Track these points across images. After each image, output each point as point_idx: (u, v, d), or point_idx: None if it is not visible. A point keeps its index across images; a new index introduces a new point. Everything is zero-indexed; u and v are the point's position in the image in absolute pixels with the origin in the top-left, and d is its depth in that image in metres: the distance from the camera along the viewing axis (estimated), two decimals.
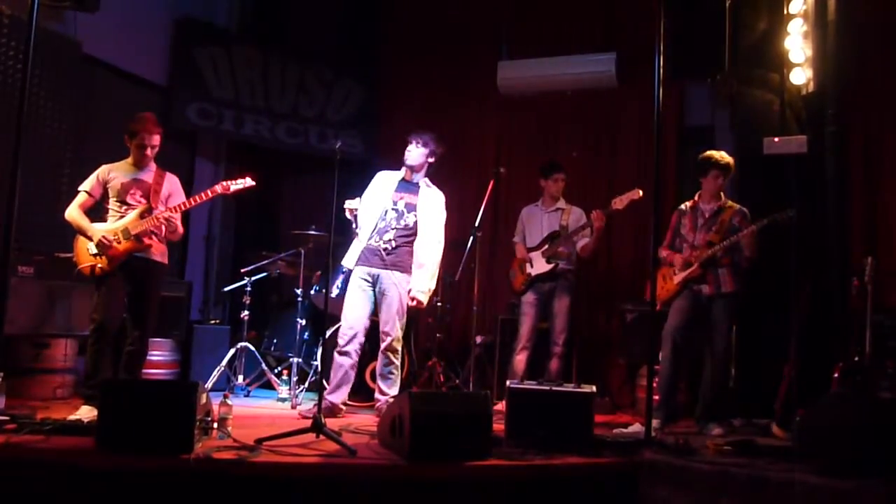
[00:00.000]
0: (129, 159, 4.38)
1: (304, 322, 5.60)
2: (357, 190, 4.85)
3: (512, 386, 3.83)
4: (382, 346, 4.65)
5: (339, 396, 4.61)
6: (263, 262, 5.85)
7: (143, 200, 4.30)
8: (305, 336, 5.69)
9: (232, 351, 5.50)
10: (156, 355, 5.40)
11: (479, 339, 5.65)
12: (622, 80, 6.30)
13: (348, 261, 4.76)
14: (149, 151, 4.33)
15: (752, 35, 5.49)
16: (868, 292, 4.09)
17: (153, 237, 4.30)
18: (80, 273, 4.25)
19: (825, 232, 5.06)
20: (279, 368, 5.74)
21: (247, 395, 5.55)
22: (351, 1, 7.52)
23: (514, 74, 6.62)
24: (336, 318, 4.91)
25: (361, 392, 5.13)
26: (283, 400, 5.28)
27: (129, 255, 4.22)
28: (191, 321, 6.19)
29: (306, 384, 5.38)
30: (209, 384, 5.10)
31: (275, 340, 6.08)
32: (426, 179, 4.86)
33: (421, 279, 4.65)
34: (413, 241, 4.72)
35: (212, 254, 7.14)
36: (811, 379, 4.28)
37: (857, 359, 4.03)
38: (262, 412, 4.79)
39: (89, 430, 3.21)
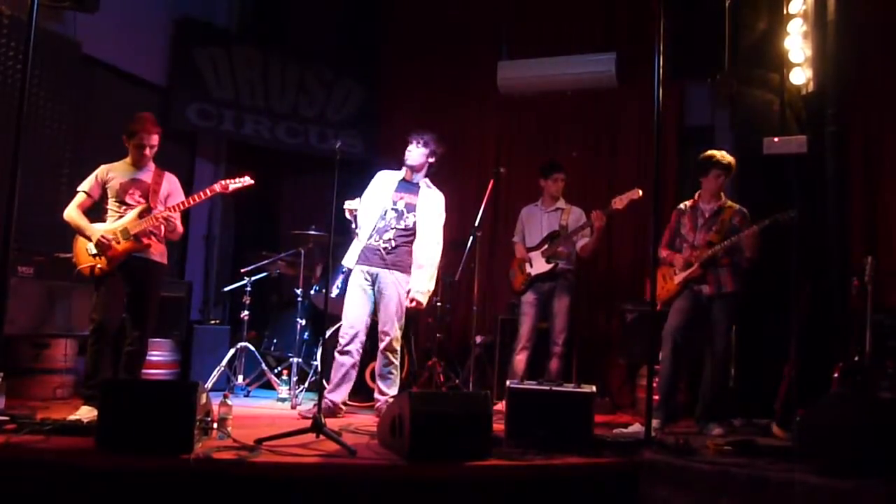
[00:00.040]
0: (128, 159, 4.38)
1: (304, 322, 5.60)
2: (357, 190, 4.85)
3: (512, 386, 3.83)
4: (381, 346, 4.65)
5: (339, 395, 4.61)
6: (263, 262, 5.85)
7: (142, 200, 4.30)
8: (305, 336, 5.69)
9: (232, 351, 5.50)
10: (156, 355, 5.40)
11: (478, 339, 5.65)
12: (622, 80, 6.30)
13: (348, 260, 4.76)
14: (147, 151, 4.33)
15: (751, 35, 5.49)
16: (868, 292, 4.09)
17: (152, 237, 4.30)
18: (79, 273, 4.25)
19: (825, 232, 5.06)
20: (279, 368, 5.74)
21: (247, 396, 5.54)
22: (351, 1, 7.52)
23: (514, 74, 6.62)
24: (336, 318, 4.91)
25: (361, 392, 5.13)
26: (283, 400, 5.28)
27: (129, 256, 4.21)
28: (191, 321, 6.18)
29: (306, 384, 5.38)
30: (209, 384, 5.10)
31: (275, 340, 6.08)
32: (426, 180, 4.86)
33: (420, 280, 4.65)
34: (413, 241, 4.72)
35: (212, 254, 7.14)
36: (811, 379, 4.28)
37: (857, 359, 4.03)
38: (261, 412, 4.79)
39: (89, 430, 3.21)
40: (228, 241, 7.29)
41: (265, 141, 7.03)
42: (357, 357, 4.63)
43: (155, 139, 4.34)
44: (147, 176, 4.37)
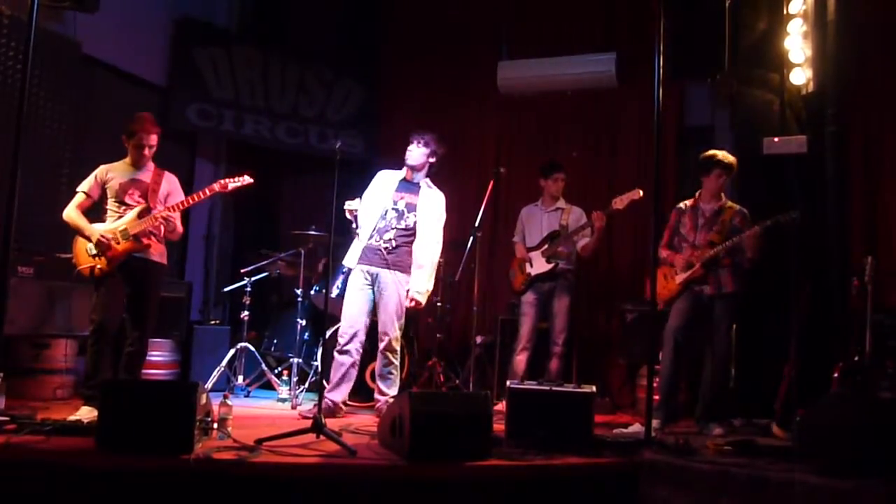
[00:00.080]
0: (127, 159, 4.38)
1: (304, 322, 5.60)
2: (357, 190, 4.85)
3: (512, 386, 3.83)
4: (381, 346, 4.65)
5: (339, 395, 4.61)
6: (263, 263, 5.85)
7: (142, 200, 4.30)
8: (305, 336, 5.69)
9: (232, 351, 5.49)
10: (156, 356, 5.40)
11: (479, 340, 5.65)
12: (622, 80, 6.29)
13: (349, 260, 4.76)
14: (147, 151, 4.33)
15: (751, 35, 5.49)
16: (868, 292, 4.09)
17: (152, 237, 4.30)
18: (79, 274, 4.25)
19: (825, 232, 5.06)
20: (279, 369, 5.74)
21: (247, 396, 5.54)
22: (351, 1, 7.52)
23: (514, 74, 6.62)
24: (336, 319, 4.91)
25: (361, 392, 5.13)
26: (284, 400, 5.28)
27: (128, 256, 4.21)
28: (191, 321, 6.18)
29: (306, 384, 5.38)
30: (209, 384, 5.10)
31: (275, 341, 6.07)
32: (427, 180, 4.86)
33: (419, 280, 4.65)
34: (413, 241, 4.72)
35: (212, 254, 7.14)
36: (811, 379, 4.28)
37: (857, 358, 4.03)
38: (262, 412, 4.79)
39: (89, 430, 3.21)
40: (228, 242, 7.29)
41: (265, 141, 7.03)
42: (356, 357, 4.63)
43: (154, 139, 4.34)
44: (146, 176, 4.37)
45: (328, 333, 5.00)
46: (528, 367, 5.22)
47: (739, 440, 3.65)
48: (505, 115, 6.91)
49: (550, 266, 5.23)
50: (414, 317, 5.58)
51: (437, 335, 5.84)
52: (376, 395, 4.70)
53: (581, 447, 3.45)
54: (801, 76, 5.29)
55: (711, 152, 4.71)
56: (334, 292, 5.10)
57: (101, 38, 5.78)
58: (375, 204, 4.76)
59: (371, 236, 4.70)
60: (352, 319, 4.61)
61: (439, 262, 5.05)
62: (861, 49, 5.25)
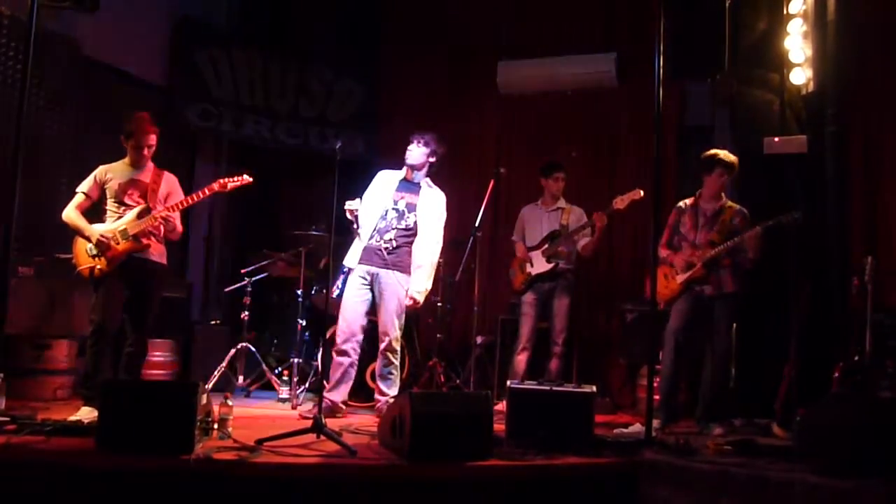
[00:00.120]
0: (126, 160, 4.37)
1: (304, 322, 5.60)
2: (358, 190, 4.85)
3: (512, 386, 3.83)
4: (381, 346, 4.65)
5: (339, 395, 4.61)
6: (264, 263, 5.85)
7: (141, 201, 4.30)
8: (306, 336, 5.69)
9: (232, 351, 5.49)
10: (156, 356, 5.38)
11: (479, 340, 5.65)
12: (622, 80, 6.30)
13: (349, 260, 4.76)
14: (145, 151, 4.32)
15: (751, 35, 5.49)
16: (868, 292, 4.10)
17: (152, 237, 4.30)
18: (79, 274, 4.25)
19: (825, 232, 5.06)
20: (280, 369, 5.74)
21: (247, 396, 5.54)
22: (351, 1, 7.52)
23: (514, 74, 6.62)
24: (337, 319, 4.90)
25: (361, 392, 5.13)
26: (284, 400, 5.28)
27: (128, 256, 4.21)
28: (191, 321, 6.19)
29: (307, 385, 5.38)
30: (209, 385, 5.10)
31: (275, 341, 6.07)
32: (427, 179, 4.86)
33: (418, 279, 4.65)
34: (414, 241, 4.72)
35: (212, 254, 7.14)
36: (811, 379, 4.28)
37: (857, 358, 4.03)
38: (262, 413, 4.79)
39: (89, 430, 3.21)
40: (229, 242, 7.29)
41: (265, 141, 7.03)
42: (355, 356, 4.63)
43: (152, 139, 4.33)
44: (145, 176, 4.37)
45: (328, 333, 5.00)
46: (528, 367, 5.22)
47: (740, 440, 3.65)
48: (505, 115, 6.91)
49: (551, 266, 5.23)
50: (414, 317, 5.58)
51: (438, 335, 5.84)
52: (376, 396, 4.70)
53: (581, 447, 3.45)
54: (801, 76, 5.29)
55: (713, 151, 4.71)
56: (335, 292, 5.09)
57: (102, 39, 5.78)
58: (376, 204, 4.76)
59: (371, 236, 4.70)
60: (349, 319, 4.61)
61: (439, 261, 5.05)
62: (861, 49, 5.25)
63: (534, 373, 5.16)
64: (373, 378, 4.99)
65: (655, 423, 3.95)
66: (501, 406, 4.15)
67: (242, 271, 5.77)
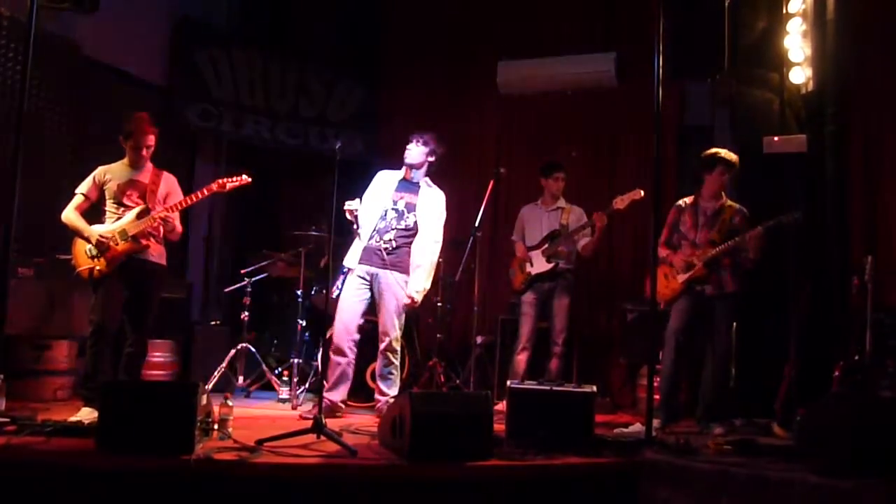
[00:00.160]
0: (125, 160, 4.37)
1: (304, 323, 5.60)
2: (357, 190, 4.85)
3: (512, 386, 3.83)
4: (381, 346, 4.65)
5: (338, 395, 4.61)
6: (263, 263, 5.85)
7: (140, 201, 4.29)
8: (306, 337, 5.69)
9: (232, 352, 5.49)
10: (156, 356, 5.39)
11: (479, 340, 5.65)
12: (622, 80, 6.29)
13: (349, 260, 4.76)
14: (144, 152, 4.32)
15: (751, 34, 5.49)
16: (868, 291, 4.09)
17: (151, 238, 4.30)
18: (78, 275, 4.25)
19: (825, 231, 5.06)
20: (280, 369, 5.74)
21: (247, 396, 5.54)
22: (351, 1, 7.52)
23: (514, 74, 6.62)
24: None
25: (361, 393, 5.13)
26: (284, 401, 5.28)
27: (128, 257, 4.21)
28: (191, 322, 6.19)
29: (307, 385, 5.38)
30: (209, 385, 5.10)
31: (275, 341, 6.06)
32: (427, 179, 4.86)
33: (417, 279, 4.65)
34: (414, 241, 4.72)
35: (212, 255, 7.14)
36: (812, 378, 4.28)
37: (857, 358, 4.03)
38: (262, 413, 4.79)
39: (90, 431, 3.21)
40: (229, 242, 7.29)
41: (265, 141, 7.03)
42: (351, 355, 4.63)
43: (151, 139, 4.33)
44: (144, 176, 4.36)
45: (328, 334, 5.00)
46: (528, 367, 5.22)
47: (740, 440, 3.64)
48: (505, 115, 6.91)
49: (551, 265, 5.23)
50: (414, 317, 5.58)
51: (438, 335, 5.84)
52: (377, 396, 4.70)
53: (581, 447, 3.45)
54: (800, 75, 5.29)
55: (714, 150, 4.71)
56: (335, 293, 5.09)
57: (101, 40, 5.78)
58: (375, 204, 4.76)
59: (371, 237, 4.70)
60: (346, 319, 4.61)
61: (439, 261, 5.04)
62: (860, 48, 5.24)
63: (534, 373, 5.16)
64: (373, 378, 4.99)
65: (656, 422, 3.95)
66: (501, 406, 4.15)
67: (242, 271, 5.77)
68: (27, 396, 4.67)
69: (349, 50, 7.44)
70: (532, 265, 5.31)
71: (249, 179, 4.49)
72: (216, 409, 3.53)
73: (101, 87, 5.98)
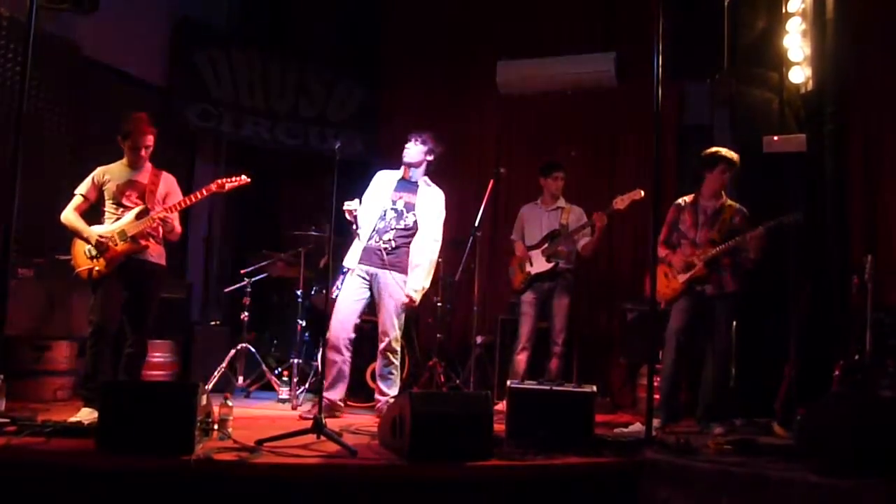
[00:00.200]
0: (124, 160, 4.37)
1: (304, 323, 5.60)
2: (357, 190, 4.85)
3: (512, 386, 3.83)
4: (381, 346, 4.65)
5: (336, 394, 4.61)
6: (263, 263, 5.85)
7: (139, 202, 4.29)
8: (306, 337, 5.69)
9: (232, 352, 5.49)
10: (156, 357, 5.39)
11: (479, 340, 5.64)
12: (621, 80, 6.29)
13: (349, 261, 4.76)
14: (143, 152, 4.31)
15: (750, 34, 5.49)
16: (868, 290, 4.09)
17: (150, 239, 4.29)
18: (77, 276, 4.25)
19: (825, 231, 5.06)
20: (279, 369, 5.74)
21: (247, 397, 5.54)
22: (351, 1, 7.52)
23: (514, 74, 6.62)
24: None
25: (361, 393, 5.13)
26: (284, 401, 5.28)
27: (127, 257, 4.21)
28: (191, 322, 6.18)
29: (307, 385, 5.38)
30: (209, 385, 5.10)
31: (275, 341, 6.05)
32: (426, 178, 4.85)
33: (416, 278, 4.64)
34: (413, 240, 4.72)
35: (212, 255, 7.14)
36: (812, 378, 4.28)
37: (857, 357, 4.03)
38: (262, 413, 4.79)
39: (90, 432, 3.21)
40: (228, 242, 7.29)
41: (265, 142, 7.03)
42: (347, 354, 4.62)
43: (150, 139, 4.32)
44: (143, 177, 4.36)
45: (328, 333, 4.99)
46: (528, 367, 5.22)
47: (740, 439, 3.65)
48: (505, 115, 6.92)
49: (551, 265, 5.23)
50: (414, 317, 5.57)
51: (438, 335, 5.84)
52: (377, 396, 4.69)
53: (582, 447, 3.45)
54: (800, 75, 5.29)
55: (715, 149, 4.70)
56: (335, 293, 5.09)
57: (101, 40, 5.78)
58: (374, 204, 4.76)
59: (370, 237, 4.70)
60: (342, 318, 4.60)
61: (439, 261, 5.05)
62: (860, 47, 5.24)
63: (534, 372, 5.16)
64: (373, 378, 4.99)
65: (656, 422, 3.95)
66: (501, 406, 4.15)
67: (242, 272, 5.77)
68: (27, 397, 4.67)
69: (349, 50, 7.44)
70: (532, 265, 5.31)
71: (248, 180, 4.49)
72: (216, 409, 3.53)
73: (100, 88, 5.98)
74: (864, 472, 2.89)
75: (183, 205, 4.33)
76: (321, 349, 5.25)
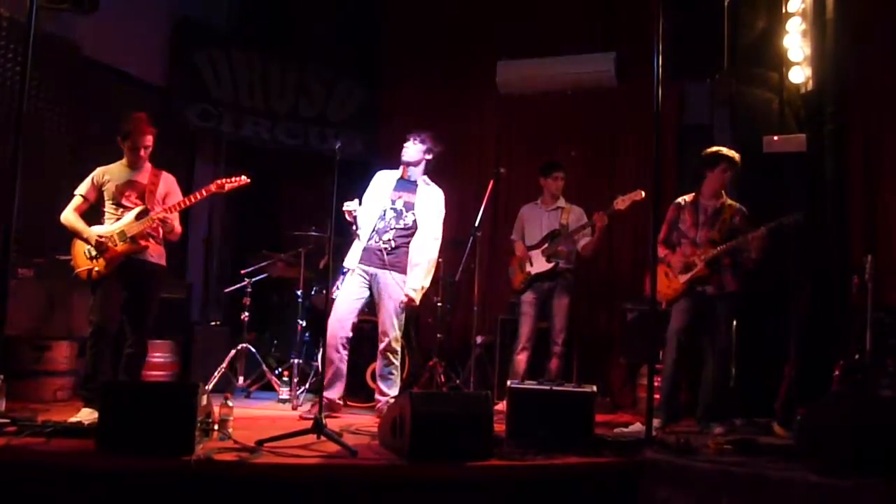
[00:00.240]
0: (123, 161, 4.37)
1: (304, 323, 5.60)
2: (357, 190, 4.85)
3: (513, 386, 3.83)
4: (381, 346, 4.64)
5: (334, 393, 4.61)
6: (263, 264, 5.85)
7: (139, 202, 4.29)
8: (306, 337, 5.69)
9: (232, 352, 5.49)
10: (156, 357, 5.39)
11: (479, 340, 5.64)
12: (621, 80, 6.29)
13: (349, 261, 4.76)
14: (142, 152, 4.31)
15: (750, 34, 5.50)
16: (868, 290, 4.09)
17: (150, 239, 4.29)
18: (77, 276, 4.25)
19: (825, 231, 5.06)
20: (280, 370, 5.74)
21: (247, 397, 5.54)
22: (351, 1, 7.52)
23: (514, 74, 6.62)
24: None
25: (362, 393, 5.13)
26: (284, 401, 5.28)
27: (127, 258, 4.21)
28: (191, 322, 6.18)
29: (307, 385, 5.38)
30: (210, 386, 5.10)
31: (275, 341, 6.05)
32: (425, 177, 4.85)
33: (415, 277, 4.64)
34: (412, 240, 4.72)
35: (212, 255, 7.14)
36: (812, 378, 4.28)
37: (857, 357, 4.03)
38: (262, 413, 4.79)
39: (90, 432, 3.21)
40: (228, 243, 7.28)
41: (265, 142, 7.03)
42: (344, 352, 4.62)
43: (149, 139, 4.31)
44: (143, 177, 4.36)
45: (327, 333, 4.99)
46: (528, 367, 5.22)
47: (740, 439, 3.65)
48: (505, 115, 6.91)
49: (551, 265, 5.23)
50: (414, 317, 5.57)
51: (438, 335, 5.83)
52: (377, 396, 4.69)
53: (582, 447, 3.45)
54: (800, 75, 5.29)
55: (716, 148, 4.70)
56: (335, 293, 5.09)
57: (101, 40, 5.78)
58: (374, 204, 4.76)
59: (370, 237, 4.70)
60: (340, 316, 4.60)
61: (439, 261, 5.04)
62: (860, 47, 5.24)
63: (534, 372, 5.16)
64: (373, 378, 4.99)
65: (656, 422, 3.95)
66: (501, 406, 4.15)
67: (242, 272, 5.77)
68: (27, 397, 4.66)
69: (349, 50, 7.44)
70: (532, 265, 5.31)
71: (248, 180, 4.49)
72: (216, 409, 3.53)
73: (100, 88, 5.98)
74: (864, 472, 2.89)
75: (183, 205, 4.32)
76: (321, 349, 5.27)
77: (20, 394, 4.61)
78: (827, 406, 3.30)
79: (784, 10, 5.39)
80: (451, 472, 3.15)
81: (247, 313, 5.65)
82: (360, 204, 4.72)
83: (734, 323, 4.76)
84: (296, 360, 5.37)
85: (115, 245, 4.18)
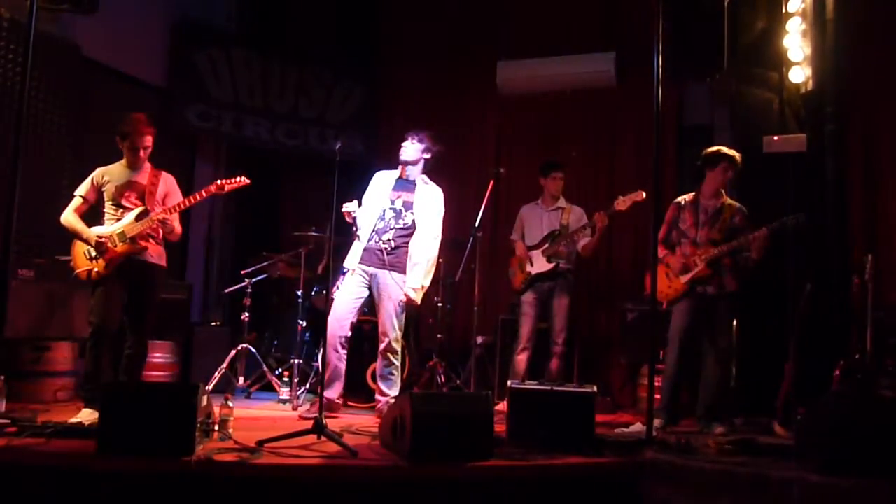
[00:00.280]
0: (123, 161, 4.36)
1: (304, 323, 5.60)
2: (357, 190, 4.85)
3: (513, 386, 3.83)
4: (381, 347, 4.64)
5: (333, 392, 4.61)
6: (264, 264, 5.85)
7: (139, 202, 4.28)
8: (306, 337, 5.68)
9: (232, 353, 5.49)
10: (156, 357, 5.39)
11: (479, 340, 5.64)
12: (621, 80, 6.30)
13: (350, 262, 4.76)
14: (142, 153, 4.30)
15: (750, 34, 5.50)
16: (868, 290, 4.09)
17: (150, 240, 4.29)
18: (77, 277, 4.25)
19: (825, 231, 5.06)
20: (280, 370, 5.74)
21: (248, 397, 5.54)
22: (350, 1, 7.52)
23: (514, 74, 6.62)
24: None
25: (362, 393, 5.13)
26: (285, 401, 5.28)
27: (126, 258, 4.21)
28: (191, 323, 6.18)
29: (307, 385, 5.38)
30: (210, 386, 5.09)
31: (275, 342, 6.05)
32: (424, 176, 4.85)
33: (415, 277, 4.63)
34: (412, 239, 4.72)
35: (212, 255, 7.14)
36: (812, 377, 4.28)
37: (857, 357, 4.03)
38: (263, 414, 4.79)
39: (90, 433, 3.21)
40: (229, 243, 7.28)
41: (265, 142, 7.03)
42: (343, 351, 4.62)
43: (148, 140, 4.31)
44: (143, 177, 4.35)
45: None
46: (528, 367, 5.22)
47: (741, 439, 3.65)
48: (505, 115, 6.92)
49: (551, 265, 5.23)
50: (415, 317, 5.57)
51: (438, 335, 5.84)
52: (377, 396, 4.69)
53: (582, 447, 3.45)
54: (800, 74, 5.29)
55: (716, 147, 4.70)
56: (335, 294, 5.10)
57: (100, 41, 5.78)
58: (374, 205, 4.76)
59: (370, 238, 4.70)
60: (339, 316, 4.59)
61: (439, 261, 5.04)
62: (860, 48, 5.25)
63: (534, 373, 5.16)
64: (373, 379, 4.99)
65: (657, 422, 3.95)
66: (502, 406, 4.15)
67: (242, 272, 5.77)
68: (28, 398, 4.66)
69: (349, 50, 7.44)
70: (532, 265, 5.31)
71: (248, 181, 4.48)
72: (217, 409, 3.53)
73: (100, 88, 5.99)
74: (864, 472, 2.89)
75: (183, 206, 4.32)
76: (321, 349, 5.26)
77: (20, 394, 4.61)
78: (827, 406, 3.30)
79: (784, 10, 5.40)
80: (452, 473, 3.15)
81: (247, 314, 5.65)
82: (359, 205, 4.72)
83: (734, 323, 4.76)
84: (296, 361, 5.37)
85: (115, 246, 4.18)
